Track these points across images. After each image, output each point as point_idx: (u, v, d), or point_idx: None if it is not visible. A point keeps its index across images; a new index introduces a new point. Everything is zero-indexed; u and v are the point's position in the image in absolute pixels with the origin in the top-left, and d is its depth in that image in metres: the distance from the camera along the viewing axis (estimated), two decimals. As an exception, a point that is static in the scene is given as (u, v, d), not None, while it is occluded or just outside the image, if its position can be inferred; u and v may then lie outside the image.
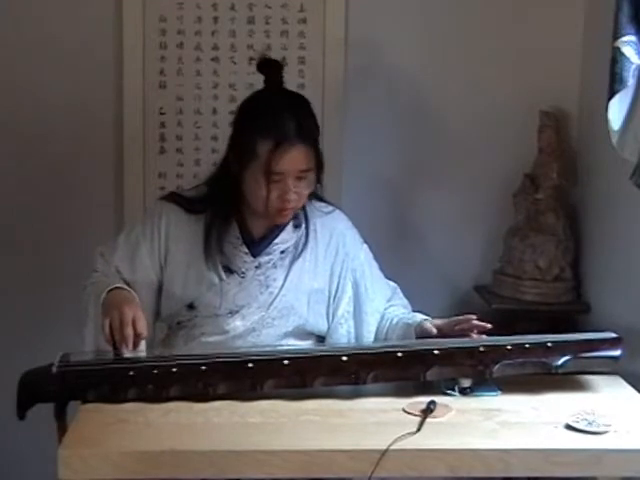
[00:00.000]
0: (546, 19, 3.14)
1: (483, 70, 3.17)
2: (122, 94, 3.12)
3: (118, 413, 2.04)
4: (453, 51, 3.16)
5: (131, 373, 2.11)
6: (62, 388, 2.10)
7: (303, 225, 2.38)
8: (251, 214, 2.33)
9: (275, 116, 2.22)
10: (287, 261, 2.37)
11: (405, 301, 2.51)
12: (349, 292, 2.42)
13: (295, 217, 2.37)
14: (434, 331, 2.28)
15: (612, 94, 2.33)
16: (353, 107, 3.15)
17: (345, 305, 2.42)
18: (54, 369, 2.12)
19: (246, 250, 2.34)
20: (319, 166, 2.29)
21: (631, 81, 2.31)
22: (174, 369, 2.12)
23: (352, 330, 2.43)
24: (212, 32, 3.12)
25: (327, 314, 2.42)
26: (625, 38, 2.29)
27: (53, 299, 3.12)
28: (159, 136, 3.15)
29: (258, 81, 3.10)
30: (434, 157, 3.21)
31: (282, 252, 2.36)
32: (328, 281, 2.41)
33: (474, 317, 2.27)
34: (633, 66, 2.30)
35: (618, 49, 2.30)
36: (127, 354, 2.14)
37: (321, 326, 2.42)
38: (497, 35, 3.16)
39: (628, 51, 2.29)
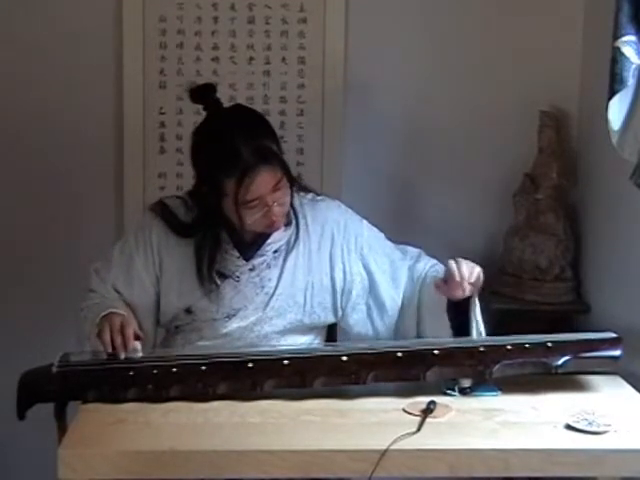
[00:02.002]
0: (546, 19, 3.14)
1: (483, 70, 3.17)
2: (122, 94, 3.12)
3: (118, 413, 2.04)
4: (453, 50, 3.15)
5: (131, 373, 2.11)
6: (62, 388, 2.11)
7: (293, 222, 2.37)
8: None
9: (229, 150, 2.20)
10: (280, 260, 2.36)
11: (433, 260, 2.46)
12: (360, 270, 2.40)
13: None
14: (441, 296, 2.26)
15: (612, 94, 2.33)
16: (353, 107, 3.15)
17: (359, 284, 2.40)
18: (54, 369, 2.12)
19: (238, 254, 2.34)
20: (287, 170, 2.27)
21: (631, 81, 2.30)
22: (174, 369, 2.13)
23: (372, 305, 2.40)
24: (212, 32, 3.12)
25: (334, 303, 2.40)
26: (625, 38, 2.29)
27: (53, 299, 3.12)
28: (159, 136, 3.15)
29: (258, 81, 3.14)
30: (434, 157, 3.21)
31: (275, 252, 2.36)
32: (329, 270, 2.39)
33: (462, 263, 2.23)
34: (633, 66, 2.30)
35: (618, 49, 2.29)
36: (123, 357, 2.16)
37: (324, 318, 2.41)
38: (497, 35, 3.15)
39: (628, 51, 2.29)
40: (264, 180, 2.20)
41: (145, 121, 3.13)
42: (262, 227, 2.28)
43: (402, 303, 2.41)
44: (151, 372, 2.12)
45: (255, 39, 3.13)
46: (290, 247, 2.36)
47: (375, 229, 2.47)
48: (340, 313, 2.41)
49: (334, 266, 2.39)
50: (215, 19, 3.12)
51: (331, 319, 2.43)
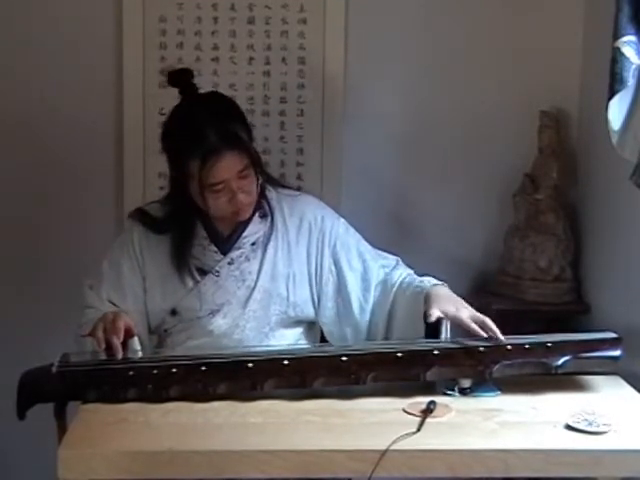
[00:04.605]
0: (546, 19, 3.14)
1: (483, 70, 3.17)
2: (122, 94, 3.12)
3: (118, 413, 2.04)
4: (453, 51, 3.15)
5: (131, 373, 2.11)
6: (62, 388, 2.11)
7: (269, 214, 2.39)
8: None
9: (195, 132, 2.24)
10: (259, 252, 2.38)
11: (410, 270, 2.46)
12: (331, 267, 2.41)
13: (260, 208, 2.38)
14: (432, 319, 2.23)
15: (612, 94, 2.33)
16: (353, 107, 3.15)
17: (329, 280, 2.42)
18: (54, 369, 2.12)
19: (215, 249, 2.36)
20: (255, 159, 2.29)
21: (631, 81, 2.30)
22: (174, 369, 2.12)
23: (341, 304, 2.42)
24: (212, 32, 3.12)
25: (312, 296, 2.42)
26: (625, 38, 2.29)
27: (53, 299, 3.12)
28: (159, 136, 3.14)
29: (258, 81, 3.14)
30: (434, 157, 3.21)
31: (253, 244, 2.38)
32: (306, 263, 2.41)
33: (489, 324, 2.23)
34: (633, 66, 2.29)
35: (618, 49, 2.29)
36: (120, 354, 2.16)
37: (307, 311, 2.42)
38: (497, 35, 3.16)
39: (628, 51, 2.29)
40: (228, 164, 2.22)
41: (145, 121, 3.13)
42: (228, 214, 2.29)
43: (372, 307, 2.41)
44: (151, 372, 2.12)
45: (255, 39, 3.13)
46: (267, 239, 2.38)
47: (352, 229, 2.48)
48: (316, 308, 2.43)
49: (310, 260, 2.41)
50: (215, 19, 3.12)
51: (312, 314, 2.43)
